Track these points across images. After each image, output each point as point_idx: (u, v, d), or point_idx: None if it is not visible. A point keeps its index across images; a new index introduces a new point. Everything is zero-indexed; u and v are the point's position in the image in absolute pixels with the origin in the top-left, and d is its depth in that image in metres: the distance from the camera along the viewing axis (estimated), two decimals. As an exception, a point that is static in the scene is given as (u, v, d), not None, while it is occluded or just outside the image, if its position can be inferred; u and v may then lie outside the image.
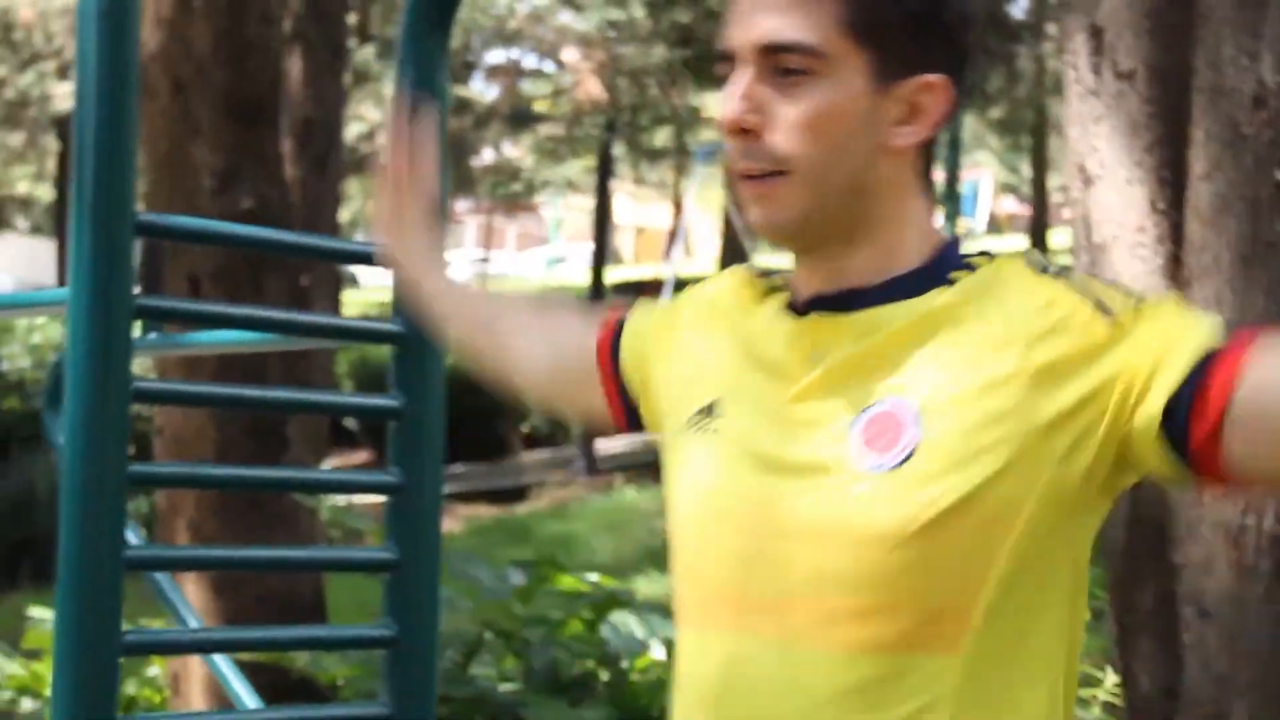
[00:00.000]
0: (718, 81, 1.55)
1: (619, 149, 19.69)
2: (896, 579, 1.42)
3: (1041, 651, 1.46)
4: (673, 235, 28.94)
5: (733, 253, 31.03)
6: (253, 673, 3.10)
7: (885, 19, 1.47)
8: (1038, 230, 29.82)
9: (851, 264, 1.52)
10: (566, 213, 43.22)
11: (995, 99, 17.52)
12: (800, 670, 1.44)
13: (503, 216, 39.34)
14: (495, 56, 25.53)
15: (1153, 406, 1.39)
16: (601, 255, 17.42)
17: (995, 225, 42.28)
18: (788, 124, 1.47)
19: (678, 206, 29.33)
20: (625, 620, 5.05)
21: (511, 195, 28.08)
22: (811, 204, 1.48)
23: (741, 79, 1.49)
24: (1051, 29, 19.21)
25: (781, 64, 1.48)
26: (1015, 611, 1.43)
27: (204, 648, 2.91)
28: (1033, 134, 28.22)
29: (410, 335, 2.53)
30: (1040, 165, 30.74)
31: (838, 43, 1.47)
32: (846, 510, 1.44)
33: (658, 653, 4.94)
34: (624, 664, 4.99)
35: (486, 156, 24.87)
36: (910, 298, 1.49)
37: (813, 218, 1.49)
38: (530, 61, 26.16)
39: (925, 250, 1.53)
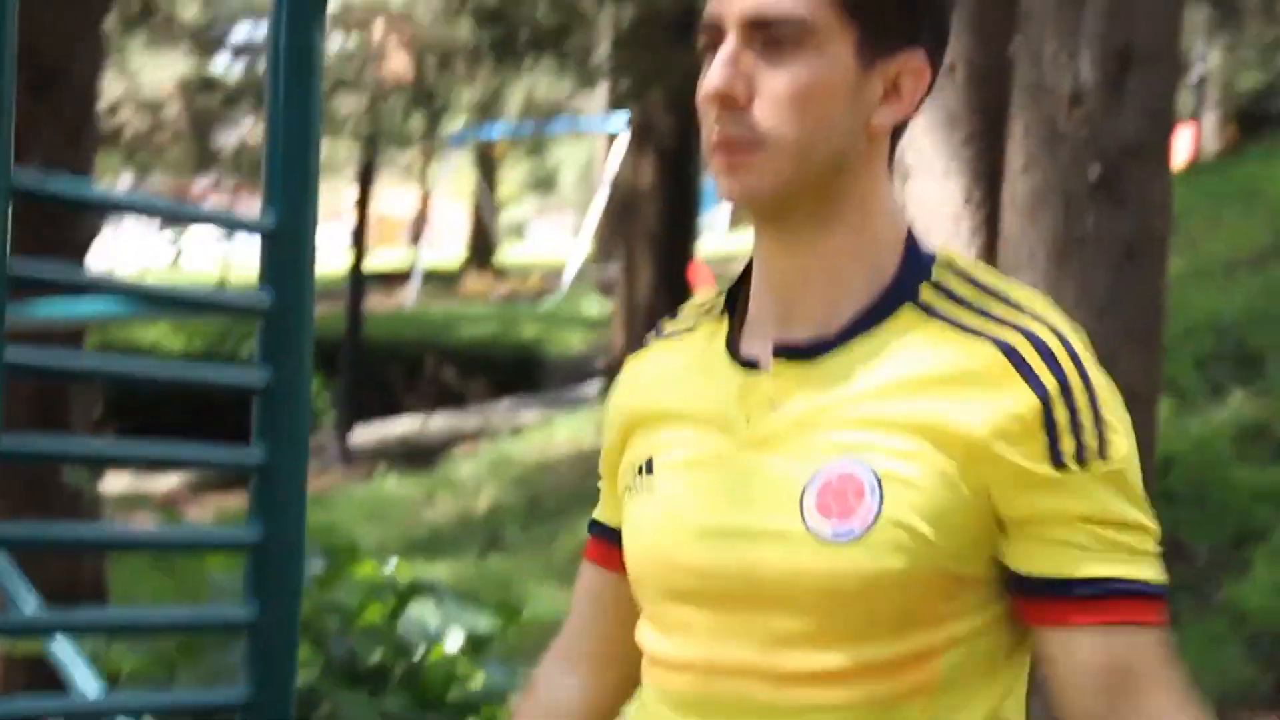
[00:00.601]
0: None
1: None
2: (857, 638, 1.43)
3: (995, 709, 1.48)
4: (419, 223, 28.47)
5: (481, 243, 30.96)
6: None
7: None
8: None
9: (820, 257, 1.49)
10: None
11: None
12: None
13: (248, 196, 38.45)
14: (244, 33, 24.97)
15: (1042, 553, 1.42)
16: (362, 239, 17.16)
17: (735, 220, 42.86)
18: (774, 96, 1.45)
19: (425, 194, 28.99)
20: (420, 609, 4.97)
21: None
22: (790, 176, 1.46)
23: (727, 49, 1.46)
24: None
25: (770, 36, 1.45)
26: (974, 671, 1.46)
27: (51, 628, 2.79)
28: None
29: (277, 308, 2.44)
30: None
31: (827, 16, 1.45)
32: (807, 575, 1.43)
33: (454, 642, 4.87)
34: (419, 654, 4.91)
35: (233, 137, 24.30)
36: (878, 322, 1.47)
37: (790, 189, 1.46)
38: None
39: (893, 244, 1.51)
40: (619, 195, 28.94)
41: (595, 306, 25.22)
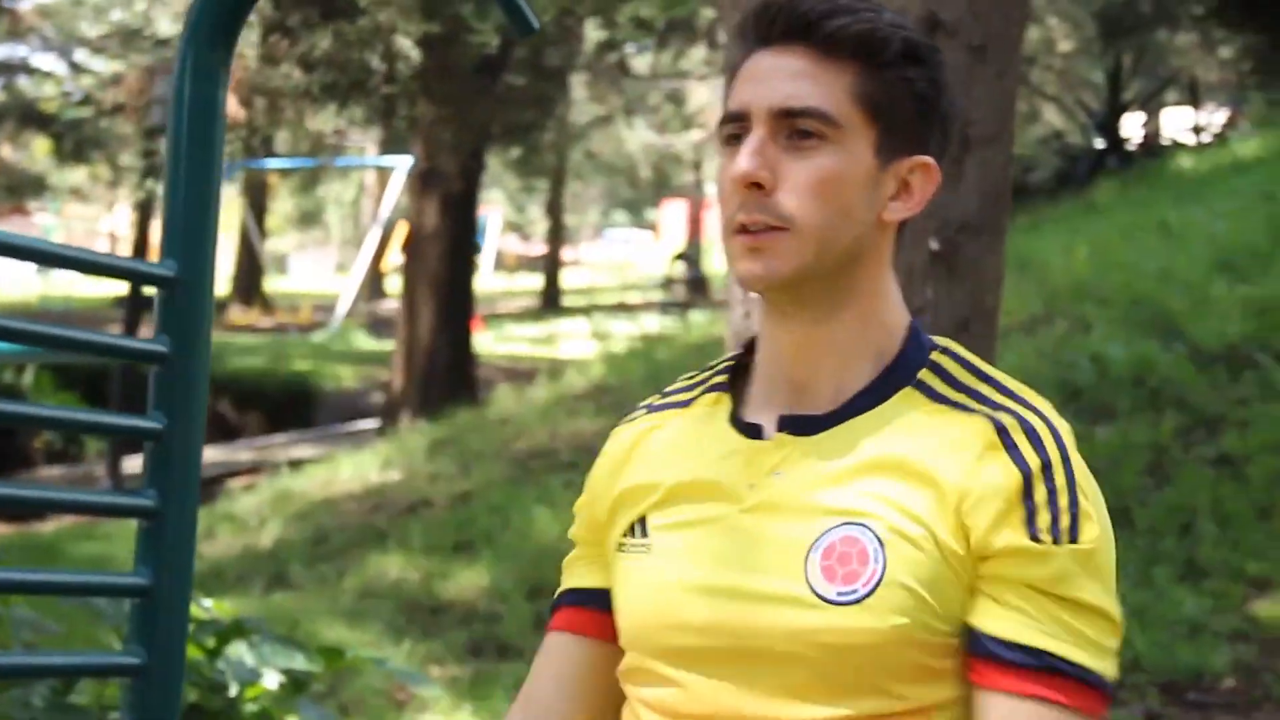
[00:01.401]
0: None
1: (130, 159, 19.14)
2: (858, 690, 1.50)
3: None
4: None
5: (247, 274, 30.47)
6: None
7: (895, 97, 1.56)
8: (551, 272, 30.59)
9: (828, 340, 1.58)
10: (60, 219, 41.34)
11: (518, 138, 17.86)
12: None
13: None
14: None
15: (996, 613, 1.49)
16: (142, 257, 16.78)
17: (501, 263, 43.01)
18: (797, 184, 1.54)
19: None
20: (237, 648, 4.92)
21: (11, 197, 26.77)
22: (808, 262, 1.54)
23: (756, 138, 1.55)
24: (583, 78, 19.75)
25: (796, 127, 1.54)
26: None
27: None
28: (552, 177, 28.86)
29: (173, 356, 2.46)
30: (557, 209, 31.57)
31: (851, 113, 1.55)
32: (813, 632, 1.50)
33: (270, 681, 4.84)
34: (233, 692, 4.86)
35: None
36: (880, 401, 1.57)
37: (807, 275, 1.55)
38: (47, 61, 25.04)
39: (896, 330, 1.61)
40: (389, 233, 28.84)
41: (367, 342, 25.07)
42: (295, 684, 4.78)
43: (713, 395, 1.67)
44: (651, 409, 1.73)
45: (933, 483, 1.51)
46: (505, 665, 6.94)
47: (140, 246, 17.13)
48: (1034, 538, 1.49)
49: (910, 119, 1.58)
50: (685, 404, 1.69)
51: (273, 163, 23.45)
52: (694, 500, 1.60)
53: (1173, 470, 7.53)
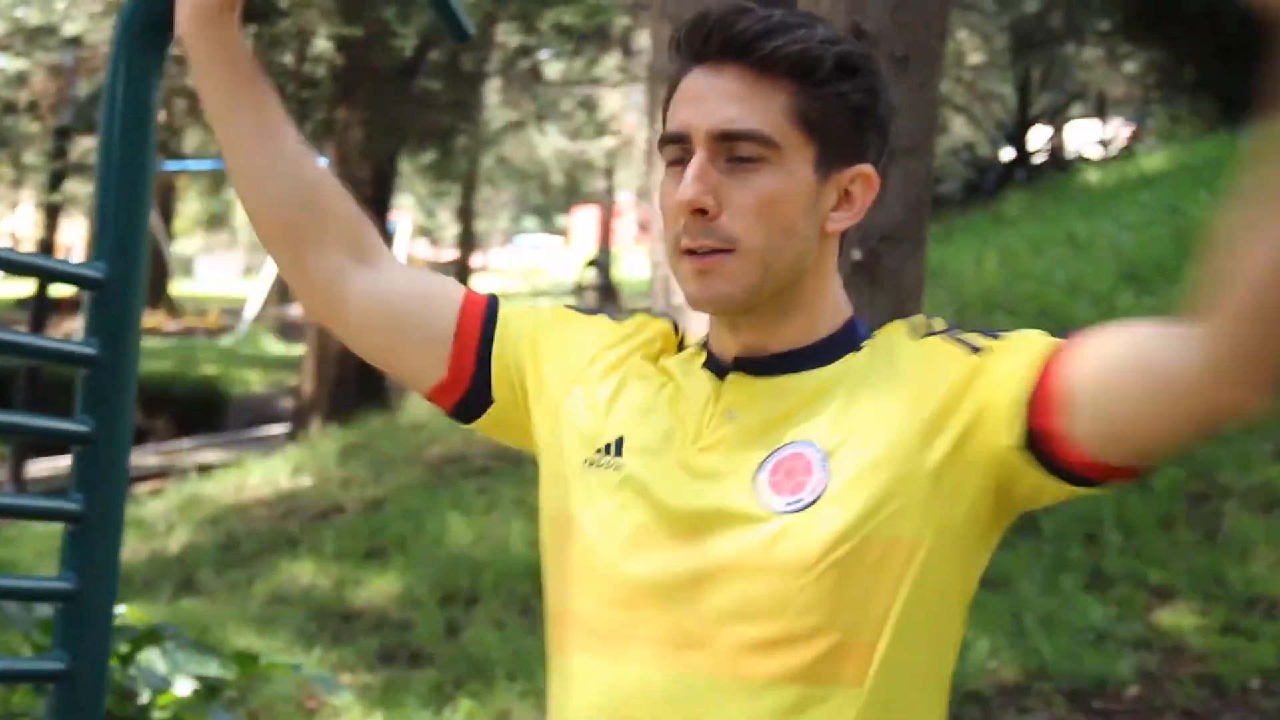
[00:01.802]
0: None
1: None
2: (806, 610, 1.53)
3: (938, 682, 1.61)
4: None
5: (154, 277, 30.15)
6: None
7: (831, 113, 1.59)
8: (462, 277, 30.50)
9: (777, 332, 1.63)
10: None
11: (435, 143, 17.83)
12: (716, 698, 1.54)
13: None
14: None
15: (1011, 426, 1.55)
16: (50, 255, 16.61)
17: (411, 267, 42.66)
18: (741, 207, 1.57)
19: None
20: (149, 655, 4.88)
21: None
22: (755, 282, 1.58)
23: (698, 163, 1.58)
24: (495, 85, 19.72)
25: (735, 151, 1.58)
26: (916, 645, 1.56)
27: None
28: (464, 182, 28.77)
29: (102, 359, 2.45)
30: (468, 214, 31.49)
31: (788, 132, 1.58)
32: (761, 546, 1.55)
33: (182, 688, 4.80)
34: (145, 699, 4.82)
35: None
36: (826, 363, 1.62)
37: (755, 293, 1.59)
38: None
39: (838, 321, 1.66)
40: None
41: (276, 346, 24.89)
42: (209, 691, 4.75)
43: (694, 349, 1.72)
44: (675, 328, 1.76)
45: (884, 394, 1.58)
46: (417, 673, 6.91)
47: (47, 249, 16.90)
48: (982, 357, 1.58)
49: (847, 131, 1.62)
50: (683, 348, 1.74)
51: (181, 164, 23.23)
52: (666, 428, 1.64)
53: (1079, 480, 7.62)
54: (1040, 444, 1.54)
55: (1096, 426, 1.51)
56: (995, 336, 1.60)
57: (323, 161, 1.76)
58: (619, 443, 1.66)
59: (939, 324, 1.65)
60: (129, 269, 2.47)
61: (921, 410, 1.56)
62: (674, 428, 1.64)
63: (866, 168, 1.64)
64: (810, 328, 1.64)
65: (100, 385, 2.46)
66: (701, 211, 1.57)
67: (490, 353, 1.76)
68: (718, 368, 1.66)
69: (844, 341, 1.64)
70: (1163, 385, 1.46)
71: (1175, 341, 1.45)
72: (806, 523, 1.54)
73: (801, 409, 1.60)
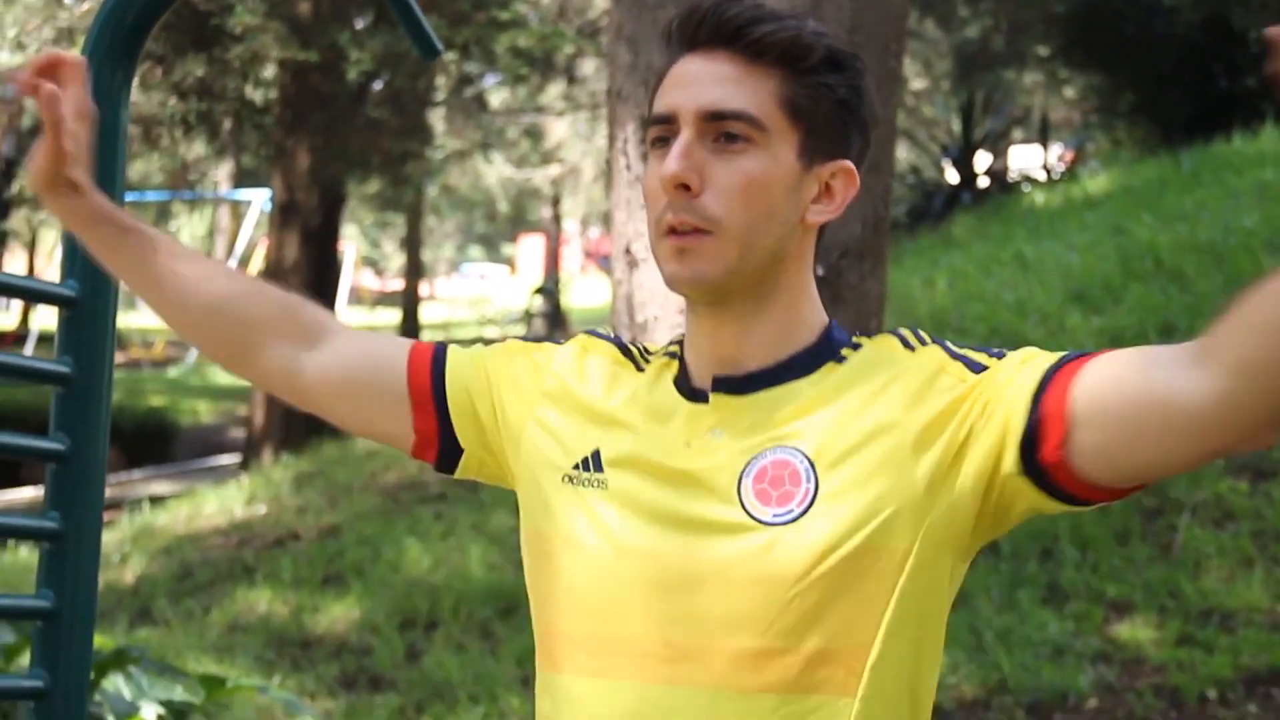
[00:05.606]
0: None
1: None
2: (797, 621, 1.54)
3: (925, 690, 1.62)
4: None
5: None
6: None
7: (818, 102, 1.62)
8: (410, 306, 30.42)
9: (754, 333, 1.64)
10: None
11: (386, 170, 17.81)
12: (708, 710, 1.54)
13: None
14: None
15: (1012, 449, 1.55)
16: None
17: (357, 298, 42.71)
18: (724, 186, 1.59)
19: (31, 254, 27.99)
20: (113, 680, 4.86)
21: None
22: (734, 263, 1.59)
23: (684, 141, 1.59)
24: (444, 112, 19.70)
25: (723, 130, 1.59)
26: (905, 654, 1.58)
27: None
28: (409, 211, 28.70)
29: (75, 378, 2.45)
30: (415, 243, 31.41)
31: (776, 117, 1.60)
32: (751, 557, 1.55)
33: (148, 714, 4.78)
34: (109, 726, 4.79)
35: None
36: (805, 374, 1.63)
37: (733, 275, 1.60)
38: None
39: (816, 326, 1.67)
40: (245, 266, 28.53)
41: (224, 376, 24.74)
42: (175, 715, 4.73)
43: (665, 360, 1.72)
44: (625, 351, 1.77)
45: (873, 402, 1.59)
46: (378, 697, 6.89)
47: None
48: (982, 375, 1.59)
49: (832, 124, 1.64)
50: (642, 368, 1.74)
51: (127, 195, 23.12)
52: (648, 442, 1.64)
53: (1034, 496, 7.68)
54: (1040, 467, 1.55)
55: (1100, 451, 1.52)
56: (996, 355, 1.61)
57: (230, 264, 1.81)
58: (596, 455, 1.66)
59: (929, 339, 1.66)
60: (101, 287, 2.48)
61: (915, 421, 1.57)
62: (652, 440, 1.64)
63: (848, 164, 1.66)
64: (788, 332, 1.65)
65: (75, 403, 2.46)
66: (685, 188, 1.58)
67: (447, 407, 1.78)
68: (690, 387, 1.66)
69: (823, 351, 1.65)
70: (1178, 419, 1.46)
71: (1188, 373, 1.46)
72: (796, 534, 1.55)
73: (787, 421, 1.60)
